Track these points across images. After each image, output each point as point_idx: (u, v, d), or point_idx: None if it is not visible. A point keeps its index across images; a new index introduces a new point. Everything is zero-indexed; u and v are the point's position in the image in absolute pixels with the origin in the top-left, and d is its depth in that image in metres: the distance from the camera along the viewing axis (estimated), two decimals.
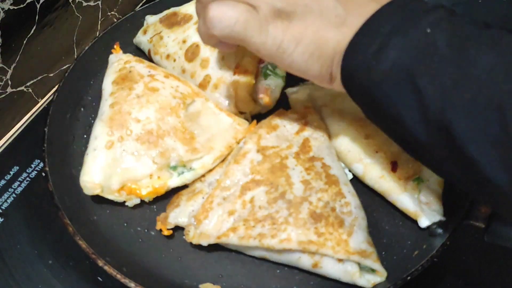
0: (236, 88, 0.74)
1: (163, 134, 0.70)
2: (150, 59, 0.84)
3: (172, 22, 0.83)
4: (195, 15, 0.76)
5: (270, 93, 0.78)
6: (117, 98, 0.73)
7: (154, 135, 0.70)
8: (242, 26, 0.53)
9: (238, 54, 0.74)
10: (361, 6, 0.50)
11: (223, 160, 0.73)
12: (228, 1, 0.53)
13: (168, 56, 0.81)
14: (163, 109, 0.72)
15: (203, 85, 0.76)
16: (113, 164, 0.68)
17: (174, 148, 0.70)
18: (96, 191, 0.67)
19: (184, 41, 0.79)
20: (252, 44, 0.55)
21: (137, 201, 0.70)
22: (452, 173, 0.47)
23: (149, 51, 0.85)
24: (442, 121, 0.43)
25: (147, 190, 0.69)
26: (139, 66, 0.78)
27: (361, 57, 0.48)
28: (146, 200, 0.70)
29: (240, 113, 0.77)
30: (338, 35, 0.51)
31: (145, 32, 0.86)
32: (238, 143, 0.73)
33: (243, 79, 0.74)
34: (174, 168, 0.70)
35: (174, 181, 0.71)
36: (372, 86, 0.48)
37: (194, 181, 0.72)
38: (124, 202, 0.70)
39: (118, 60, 0.80)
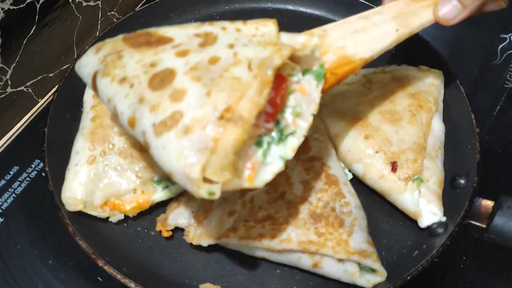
0: (217, 139, 0.48)
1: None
2: (91, 88, 0.61)
3: (141, 42, 0.61)
4: (176, 39, 0.57)
5: (257, 170, 0.53)
6: (99, 112, 0.72)
7: (137, 149, 0.68)
8: None
9: (234, 93, 0.50)
10: None
11: None
12: None
13: (123, 80, 0.56)
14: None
15: (165, 125, 0.50)
16: (96, 179, 0.67)
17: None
18: (79, 207, 0.66)
19: (152, 65, 0.55)
20: None
21: (121, 216, 0.69)
22: None
23: (94, 75, 0.60)
24: None
25: (131, 205, 0.68)
26: None
27: None
28: (130, 215, 0.69)
29: (206, 180, 0.48)
30: None
31: (98, 50, 0.62)
32: None
33: (232, 129, 0.48)
34: (158, 182, 0.69)
35: (159, 195, 0.69)
36: None
37: None
38: (108, 218, 0.69)
39: None
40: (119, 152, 0.68)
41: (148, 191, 0.68)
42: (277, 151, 0.55)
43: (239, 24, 0.57)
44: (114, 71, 0.57)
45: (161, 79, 0.53)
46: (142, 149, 0.68)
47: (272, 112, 0.53)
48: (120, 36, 0.62)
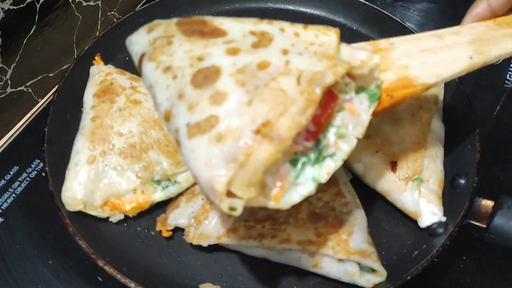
0: (249, 154, 0.45)
1: (147, 148, 0.69)
2: (136, 67, 0.59)
3: (194, 30, 0.58)
4: (230, 33, 0.54)
5: (287, 188, 0.49)
6: (99, 112, 0.72)
7: (137, 149, 0.69)
8: None
9: (276, 106, 0.47)
10: None
11: None
12: None
13: (167, 69, 0.54)
14: (146, 122, 0.71)
15: (198, 127, 0.47)
16: (96, 179, 0.67)
17: (158, 162, 0.69)
18: (79, 207, 0.66)
19: (200, 58, 0.53)
20: None
21: (121, 216, 0.69)
22: None
23: (141, 56, 0.58)
24: None
25: (131, 205, 0.68)
26: (121, 78, 0.77)
27: None
28: (130, 215, 0.69)
29: (230, 194, 0.46)
30: None
31: (150, 30, 0.60)
32: None
33: (267, 146, 0.45)
34: (158, 182, 0.69)
35: (159, 195, 0.69)
36: None
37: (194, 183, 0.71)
38: (108, 218, 0.69)
39: (99, 72, 0.79)
40: (119, 152, 0.68)
41: (148, 191, 0.68)
42: (311, 172, 0.50)
43: (299, 27, 0.54)
44: (160, 57, 0.55)
45: (205, 77, 0.50)
46: (142, 149, 0.68)
47: (314, 130, 0.49)
48: (175, 20, 0.58)
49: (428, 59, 0.59)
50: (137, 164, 0.68)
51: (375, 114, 0.55)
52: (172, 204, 0.69)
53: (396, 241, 0.69)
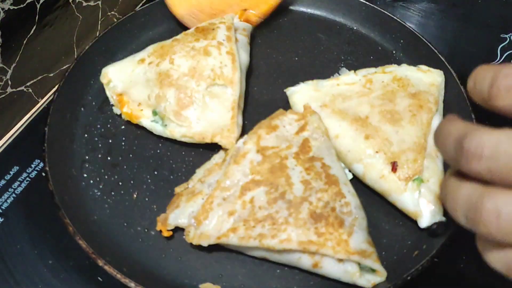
0: None
1: (174, 85, 0.75)
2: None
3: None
4: None
5: None
6: (179, 41, 0.81)
7: (170, 80, 0.75)
8: None
9: None
10: None
11: (222, 161, 0.73)
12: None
13: None
14: (196, 71, 0.76)
15: None
16: (130, 75, 0.78)
17: (169, 101, 0.74)
18: (104, 81, 0.79)
19: None
20: None
21: (118, 111, 0.80)
22: None
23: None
24: None
25: (127, 110, 0.77)
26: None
27: None
28: (123, 116, 0.79)
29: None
30: None
31: None
32: (211, 140, 0.75)
33: None
34: (155, 113, 0.76)
35: (146, 122, 0.77)
36: None
37: (194, 183, 0.72)
38: (112, 105, 0.81)
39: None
40: (159, 72, 0.77)
41: (144, 112, 0.77)
42: None
43: None
44: None
45: None
46: (169, 83, 0.76)
47: None
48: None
49: None
50: (158, 89, 0.75)
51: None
52: (172, 204, 0.69)
53: (396, 241, 0.69)
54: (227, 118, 0.75)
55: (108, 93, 0.80)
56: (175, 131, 0.75)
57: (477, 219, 0.38)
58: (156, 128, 0.77)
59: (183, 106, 0.75)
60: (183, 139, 0.76)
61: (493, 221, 0.37)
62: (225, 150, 0.75)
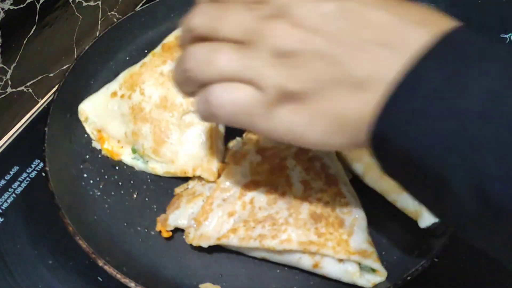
0: None
1: (148, 119, 0.73)
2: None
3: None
4: None
5: None
6: (147, 66, 0.78)
7: (143, 113, 0.73)
8: (247, 113, 0.45)
9: None
10: (407, 38, 0.39)
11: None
12: (230, 84, 0.45)
13: None
14: (167, 100, 0.73)
15: None
16: (105, 110, 0.76)
17: (145, 137, 0.72)
18: (82, 118, 0.77)
19: None
20: (259, 130, 0.48)
21: (98, 146, 0.77)
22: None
23: None
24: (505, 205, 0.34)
25: (108, 146, 0.76)
26: None
27: (398, 121, 0.39)
28: (103, 152, 0.77)
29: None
30: (361, 103, 0.42)
31: None
32: (193, 174, 0.71)
33: None
34: (134, 150, 0.75)
35: (127, 159, 0.76)
36: (412, 154, 0.39)
37: (194, 183, 0.72)
38: (91, 141, 0.78)
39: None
40: (131, 105, 0.74)
41: (124, 149, 0.76)
42: None
43: None
44: None
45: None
46: (145, 117, 0.73)
47: None
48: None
49: None
50: (133, 125, 0.73)
51: None
52: (172, 204, 0.69)
53: (396, 241, 0.69)
54: (206, 147, 0.71)
55: (88, 129, 0.77)
56: (157, 167, 0.73)
57: (181, 65, 0.48)
58: (138, 165, 0.74)
59: (159, 142, 0.71)
60: (166, 175, 0.73)
61: (191, 59, 0.47)
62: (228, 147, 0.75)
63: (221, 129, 0.75)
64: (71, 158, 0.76)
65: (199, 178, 0.71)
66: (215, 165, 0.70)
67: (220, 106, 0.46)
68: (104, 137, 0.76)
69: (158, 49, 0.81)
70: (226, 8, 0.46)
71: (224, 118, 0.47)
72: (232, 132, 0.75)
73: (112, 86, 0.77)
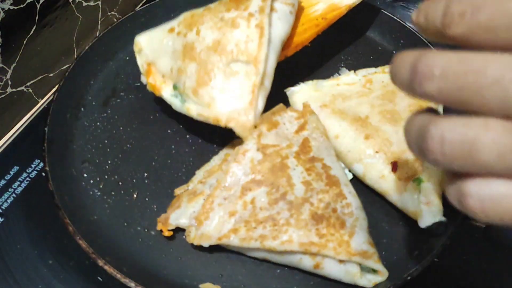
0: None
1: (196, 59, 0.71)
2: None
3: None
4: None
5: None
6: (210, 10, 0.75)
7: (193, 53, 0.71)
8: None
9: None
10: None
11: (222, 161, 0.73)
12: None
13: None
14: (218, 44, 0.70)
15: None
16: (160, 45, 0.76)
17: (189, 76, 0.70)
18: (136, 49, 0.78)
19: None
20: None
21: (144, 81, 0.78)
22: None
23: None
24: None
25: (152, 81, 0.76)
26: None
27: None
28: (147, 87, 0.77)
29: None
30: None
31: None
32: (225, 125, 0.68)
33: None
34: (175, 87, 0.74)
35: (166, 95, 0.75)
36: None
37: (194, 184, 0.72)
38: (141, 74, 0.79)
39: None
40: (184, 43, 0.73)
41: (166, 84, 0.75)
42: None
43: None
44: None
45: None
46: (195, 56, 0.72)
47: None
48: None
49: None
50: (180, 62, 0.73)
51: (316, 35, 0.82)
52: (173, 204, 0.69)
53: (396, 241, 0.69)
54: (245, 101, 0.67)
55: (139, 61, 0.78)
56: (192, 108, 0.71)
57: (424, 147, 0.37)
58: (175, 103, 0.73)
59: (201, 83, 0.69)
60: (199, 118, 0.70)
61: (437, 147, 0.36)
62: (228, 148, 0.75)
63: (267, 85, 0.70)
64: (71, 158, 0.76)
65: (199, 178, 0.72)
66: (250, 121, 0.66)
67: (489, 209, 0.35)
68: (152, 71, 0.76)
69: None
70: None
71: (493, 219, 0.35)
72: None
73: (172, 23, 0.77)
